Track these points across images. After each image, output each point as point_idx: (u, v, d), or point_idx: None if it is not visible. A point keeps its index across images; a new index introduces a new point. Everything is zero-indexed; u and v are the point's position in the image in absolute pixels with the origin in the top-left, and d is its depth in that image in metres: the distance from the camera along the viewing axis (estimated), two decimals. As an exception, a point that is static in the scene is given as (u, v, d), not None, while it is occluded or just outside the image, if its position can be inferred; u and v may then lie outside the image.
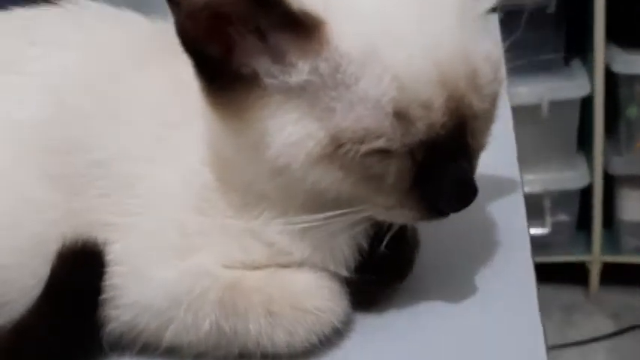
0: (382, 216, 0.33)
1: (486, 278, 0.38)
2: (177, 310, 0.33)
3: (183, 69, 0.34)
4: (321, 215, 0.32)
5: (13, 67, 0.40)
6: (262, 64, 0.30)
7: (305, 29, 0.29)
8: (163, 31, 0.41)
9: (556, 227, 1.40)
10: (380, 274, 0.35)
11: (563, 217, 1.43)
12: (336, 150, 0.30)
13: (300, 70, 0.29)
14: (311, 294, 0.34)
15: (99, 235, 0.35)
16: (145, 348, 0.35)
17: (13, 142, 0.37)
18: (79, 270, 0.35)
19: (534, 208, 1.40)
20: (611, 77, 1.37)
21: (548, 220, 1.39)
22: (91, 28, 0.42)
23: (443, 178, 0.31)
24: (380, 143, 0.29)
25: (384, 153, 0.30)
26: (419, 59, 0.29)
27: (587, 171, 1.37)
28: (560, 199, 1.40)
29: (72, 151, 0.36)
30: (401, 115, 0.29)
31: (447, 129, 0.30)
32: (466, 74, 0.30)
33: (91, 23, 0.43)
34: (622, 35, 1.42)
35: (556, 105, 1.37)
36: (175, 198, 0.35)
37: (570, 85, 1.38)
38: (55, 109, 0.37)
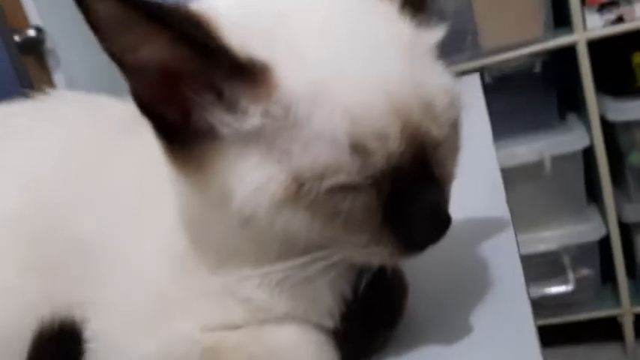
0: (358, 257, 0.32)
1: (482, 318, 0.36)
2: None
3: (152, 144, 0.35)
4: (296, 262, 0.31)
5: None
6: (217, 116, 0.30)
7: (253, 75, 0.29)
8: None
9: (580, 283, 1.36)
10: (368, 323, 0.34)
11: (585, 272, 1.39)
12: (299, 190, 0.29)
13: (253, 115, 0.29)
14: (295, 349, 0.33)
15: (77, 313, 0.34)
16: None
17: None
18: (56, 350, 0.34)
19: (554, 265, 1.37)
20: (608, 126, 1.38)
21: (571, 276, 1.35)
22: (64, 117, 0.43)
23: (412, 208, 0.30)
24: (341, 178, 0.29)
25: (347, 188, 0.29)
26: (368, 91, 0.29)
27: (602, 222, 1.35)
28: (579, 253, 1.37)
29: (49, 239, 0.37)
30: (358, 148, 0.29)
31: (406, 158, 0.30)
32: (418, 103, 0.30)
33: (65, 112, 0.44)
34: (611, 85, 1.45)
35: (558, 160, 1.37)
36: (151, 269, 0.35)
37: (569, 139, 1.39)
38: (31, 202, 0.38)
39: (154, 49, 0.29)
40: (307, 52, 0.30)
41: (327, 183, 0.29)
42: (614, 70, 1.55)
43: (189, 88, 0.30)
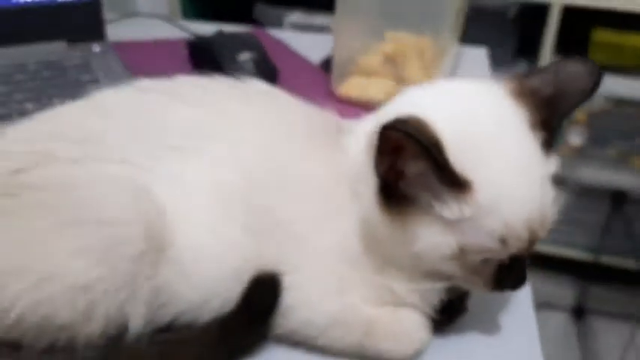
0: (466, 286, 0.53)
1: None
2: (331, 329, 0.52)
3: (338, 159, 0.52)
4: (435, 284, 0.51)
5: (205, 132, 0.54)
6: (425, 197, 0.47)
7: (461, 186, 0.46)
8: (316, 114, 0.58)
9: None
10: (450, 315, 0.56)
11: None
12: (460, 255, 0.49)
13: (452, 209, 0.47)
14: (416, 323, 0.53)
15: (276, 269, 0.52)
16: (296, 344, 0.54)
17: (221, 200, 0.52)
18: (264, 291, 0.52)
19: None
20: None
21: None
22: (259, 107, 0.57)
23: (512, 271, 0.51)
24: (487, 255, 0.49)
25: (487, 259, 0.49)
26: (519, 211, 0.47)
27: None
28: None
29: (257, 212, 0.52)
30: (504, 243, 0.48)
31: (523, 249, 0.49)
32: (541, 220, 0.49)
33: (256, 100, 0.57)
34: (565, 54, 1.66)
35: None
36: (333, 254, 0.52)
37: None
38: (245, 177, 0.52)
39: (408, 164, 0.45)
40: (494, 178, 0.47)
41: (478, 256, 0.49)
42: (573, 41, 1.74)
43: (414, 178, 0.47)
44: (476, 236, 0.47)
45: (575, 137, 2.04)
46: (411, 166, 0.45)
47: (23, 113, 0.81)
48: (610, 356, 1.91)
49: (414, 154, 0.44)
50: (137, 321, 0.49)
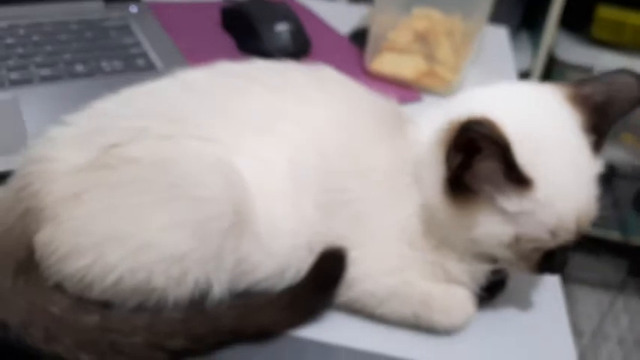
0: (512, 268, 0.59)
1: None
2: (390, 300, 0.58)
3: (403, 147, 0.57)
4: (484, 266, 0.57)
5: (284, 116, 0.58)
6: (489, 190, 0.53)
7: (524, 183, 0.52)
8: (381, 102, 0.62)
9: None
10: (492, 292, 0.62)
11: None
12: (515, 242, 0.54)
13: (513, 202, 0.53)
14: (465, 297, 0.59)
15: (343, 244, 0.58)
16: (353, 313, 0.60)
17: (297, 179, 0.57)
18: (332, 263, 0.57)
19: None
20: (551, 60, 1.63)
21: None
22: (332, 94, 0.61)
23: (557, 257, 0.57)
24: (539, 244, 0.54)
25: (538, 248, 0.55)
26: (572, 207, 0.53)
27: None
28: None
29: (330, 192, 0.57)
30: (554, 234, 0.54)
31: (569, 240, 0.56)
32: (588, 213, 0.55)
33: (330, 88, 0.62)
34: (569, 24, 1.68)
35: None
36: (394, 234, 0.58)
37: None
38: (320, 159, 0.57)
39: (480, 162, 0.51)
40: (553, 176, 0.53)
41: (530, 244, 0.55)
42: (577, 17, 1.78)
43: (482, 173, 0.52)
44: (531, 227, 0.53)
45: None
46: (481, 164, 0.51)
47: (74, 75, 0.85)
48: (588, 323, 2.02)
49: (488, 154, 0.49)
50: (220, 287, 0.54)
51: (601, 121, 0.55)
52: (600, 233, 2.06)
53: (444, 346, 0.58)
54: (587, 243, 0.56)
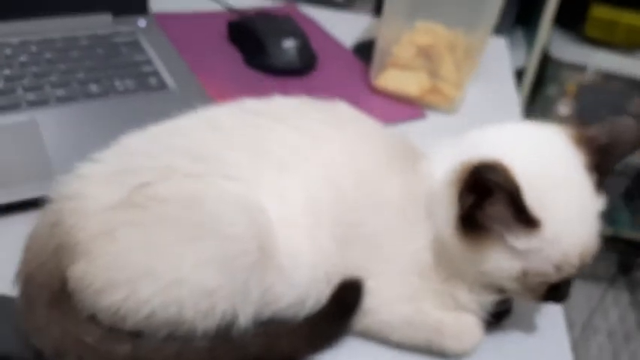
0: (518, 298, 0.62)
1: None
2: (404, 327, 0.61)
3: (415, 182, 0.60)
4: (492, 296, 0.61)
5: (302, 153, 0.62)
6: (498, 228, 0.56)
7: (533, 224, 0.55)
8: (394, 137, 0.66)
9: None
10: (494, 318, 0.66)
11: None
12: (522, 277, 0.58)
13: (521, 241, 0.56)
14: (473, 325, 0.62)
15: (359, 274, 0.61)
16: (369, 339, 0.63)
17: (315, 214, 0.60)
18: (349, 293, 0.61)
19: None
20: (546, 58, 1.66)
21: None
22: (347, 130, 0.64)
23: (560, 289, 0.60)
24: (545, 278, 0.58)
25: (544, 281, 0.59)
26: (577, 246, 0.56)
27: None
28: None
29: (345, 225, 0.60)
30: (559, 269, 0.57)
31: (572, 275, 0.59)
32: (590, 249, 0.58)
33: (346, 125, 0.65)
34: (563, 22, 1.71)
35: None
36: (408, 266, 0.61)
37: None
38: (336, 194, 0.60)
39: (491, 204, 0.54)
40: (559, 216, 0.56)
41: (537, 278, 0.58)
42: (571, 15, 1.81)
43: (492, 214, 0.56)
44: (538, 263, 0.56)
45: (564, 108, 2.13)
46: (492, 207, 0.54)
47: (88, 95, 0.87)
48: (578, 316, 2.07)
49: (499, 199, 0.53)
50: (245, 318, 0.57)
51: (604, 161, 0.59)
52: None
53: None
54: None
